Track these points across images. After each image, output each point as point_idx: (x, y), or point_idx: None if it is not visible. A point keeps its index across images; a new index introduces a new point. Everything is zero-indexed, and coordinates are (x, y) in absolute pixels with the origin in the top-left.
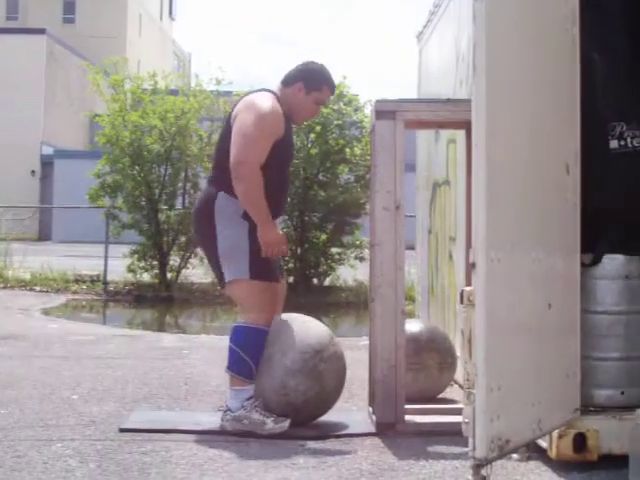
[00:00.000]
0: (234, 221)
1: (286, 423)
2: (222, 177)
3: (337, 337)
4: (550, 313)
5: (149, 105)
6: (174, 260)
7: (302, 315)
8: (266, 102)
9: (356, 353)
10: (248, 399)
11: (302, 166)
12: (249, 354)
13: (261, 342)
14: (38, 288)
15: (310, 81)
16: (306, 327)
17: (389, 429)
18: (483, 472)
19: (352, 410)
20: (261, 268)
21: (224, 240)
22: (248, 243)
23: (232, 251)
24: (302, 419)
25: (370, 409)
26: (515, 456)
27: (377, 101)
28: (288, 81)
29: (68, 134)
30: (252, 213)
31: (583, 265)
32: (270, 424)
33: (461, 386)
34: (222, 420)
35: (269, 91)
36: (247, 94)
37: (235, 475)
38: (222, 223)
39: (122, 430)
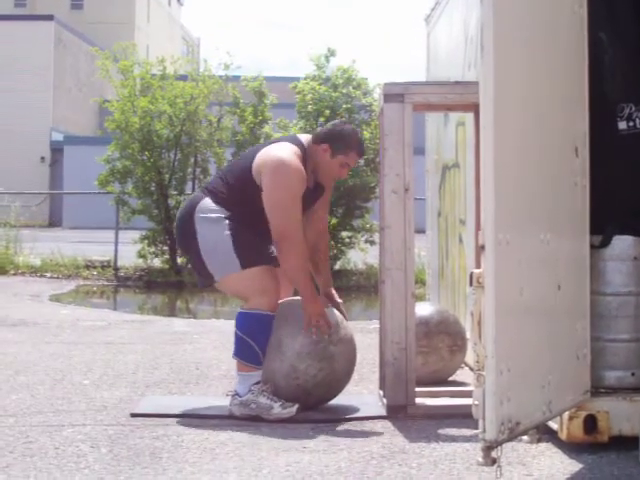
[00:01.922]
0: (214, 221)
1: (294, 408)
2: (219, 191)
3: (347, 320)
4: (560, 295)
5: (158, 90)
6: None
7: None
8: (290, 162)
9: (367, 336)
10: (256, 383)
11: None
12: (254, 340)
13: (266, 327)
14: (49, 274)
15: (337, 144)
16: None
17: (400, 412)
18: (493, 454)
19: (363, 393)
20: (250, 255)
21: (205, 238)
22: (230, 237)
23: (216, 248)
24: (313, 402)
25: (381, 392)
26: (525, 438)
27: (385, 84)
28: (317, 139)
29: (77, 120)
30: (298, 287)
31: (592, 247)
32: (277, 409)
33: (471, 368)
34: (230, 405)
35: (295, 142)
36: (271, 142)
37: (246, 459)
38: (201, 222)
39: (133, 415)
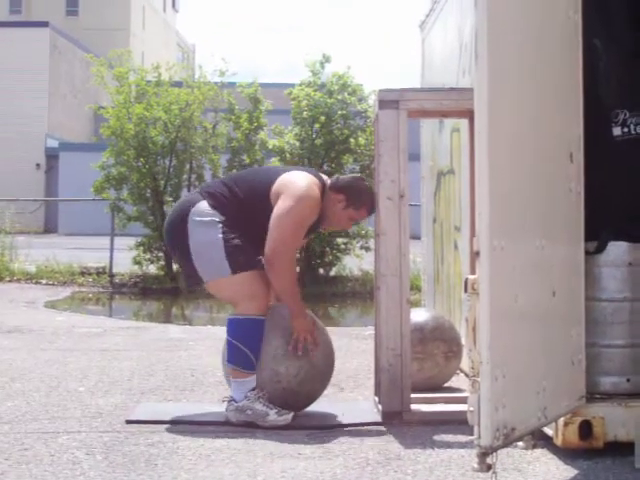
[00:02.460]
0: (207, 224)
1: (289, 416)
2: (222, 196)
3: (343, 327)
4: (554, 301)
5: (153, 97)
6: None
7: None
8: (311, 194)
9: (362, 342)
10: (252, 390)
11: (307, 156)
12: (246, 345)
13: (257, 332)
14: (44, 281)
15: (352, 199)
16: (277, 312)
17: (395, 418)
18: (489, 460)
19: (358, 399)
20: (240, 260)
21: (196, 240)
22: (222, 241)
23: (207, 251)
24: (303, 402)
25: (376, 398)
26: (520, 444)
27: (380, 90)
28: (334, 188)
29: (73, 127)
30: (287, 302)
31: (587, 253)
32: (273, 416)
33: (467, 375)
34: (226, 410)
35: (318, 178)
36: (293, 169)
37: (242, 465)
38: (195, 224)
39: (128, 422)
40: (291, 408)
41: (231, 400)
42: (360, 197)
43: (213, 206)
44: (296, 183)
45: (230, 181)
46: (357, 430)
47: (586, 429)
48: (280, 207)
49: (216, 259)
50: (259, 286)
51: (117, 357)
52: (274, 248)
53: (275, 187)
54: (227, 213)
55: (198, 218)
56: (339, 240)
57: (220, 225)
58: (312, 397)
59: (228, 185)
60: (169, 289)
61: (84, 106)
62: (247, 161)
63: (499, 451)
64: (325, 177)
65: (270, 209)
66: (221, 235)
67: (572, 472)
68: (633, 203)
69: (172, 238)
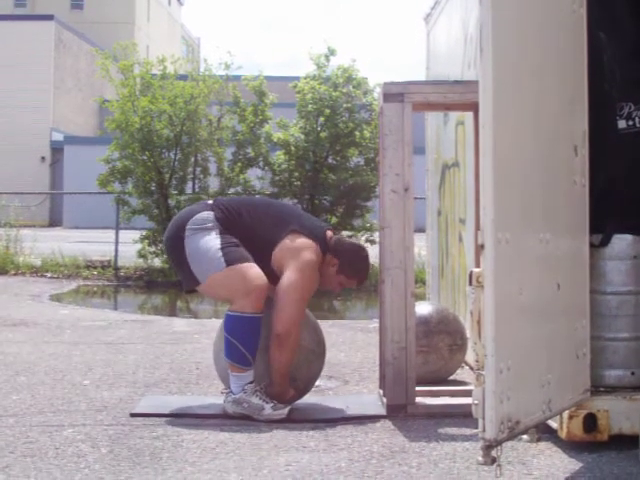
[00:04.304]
0: (205, 228)
1: (285, 410)
2: (230, 218)
3: (348, 320)
4: (559, 294)
5: (158, 90)
6: None
7: None
8: (314, 268)
9: (367, 335)
10: (249, 383)
11: (312, 149)
12: (241, 342)
13: (253, 329)
14: (49, 274)
15: (346, 266)
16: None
17: (400, 411)
18: (493, 453)
19: (363, 392)
20: (235, 254)
21: (192, 241)
22: (219, 238)
23: (202, 250)
24: (304, 385)
25: (381, 391)
26: (525, 437)
27: (385, 83)
28: (333, 250)
29: (78, 120)
30: (277, 378)
31: (592, 245)
32: (269, 410)
33: (472, 368)
34: (224, 402)
35: (322, 238)
36: (301, 222)
37: (246, 458)
38: (191, 231)
39: (133, 415)
40: (293, 395)
41: (229, 392)
42: (354, 267)
43: (217, 218)
44: (301, 254)
45: (241, 205)
46: (362, 423)
47: (591, 422)
48: (287, 282)
49: (211, 254)
50: (254, 280)
51: (122, 350)
52: (287, 328)
53: (279, 250)
54: (229, 229)
55: (195, 226)
56: (344, 233)
57: (218, 230)
58: (311, 379)
59: (238, 207)
60: (174, 282)
61: (89, 99)
62: (252, 154)
63: (504, 444)
64: (330, 234)
65: (270, 250)
66: (218, 235)
67: (577, 465)
68: (638, 196)
69: (170, 248)
